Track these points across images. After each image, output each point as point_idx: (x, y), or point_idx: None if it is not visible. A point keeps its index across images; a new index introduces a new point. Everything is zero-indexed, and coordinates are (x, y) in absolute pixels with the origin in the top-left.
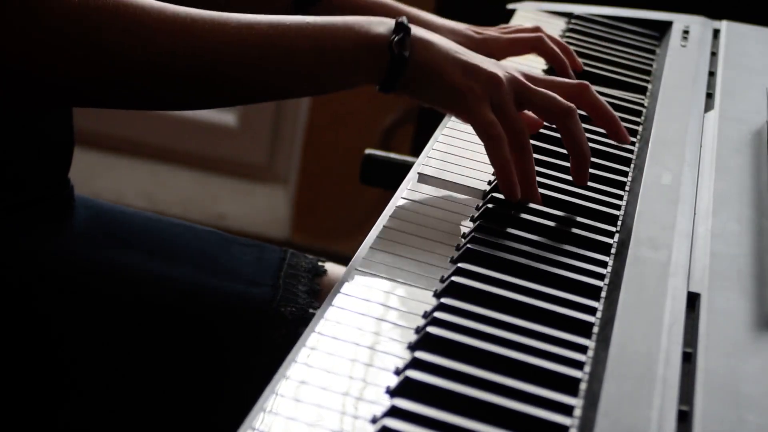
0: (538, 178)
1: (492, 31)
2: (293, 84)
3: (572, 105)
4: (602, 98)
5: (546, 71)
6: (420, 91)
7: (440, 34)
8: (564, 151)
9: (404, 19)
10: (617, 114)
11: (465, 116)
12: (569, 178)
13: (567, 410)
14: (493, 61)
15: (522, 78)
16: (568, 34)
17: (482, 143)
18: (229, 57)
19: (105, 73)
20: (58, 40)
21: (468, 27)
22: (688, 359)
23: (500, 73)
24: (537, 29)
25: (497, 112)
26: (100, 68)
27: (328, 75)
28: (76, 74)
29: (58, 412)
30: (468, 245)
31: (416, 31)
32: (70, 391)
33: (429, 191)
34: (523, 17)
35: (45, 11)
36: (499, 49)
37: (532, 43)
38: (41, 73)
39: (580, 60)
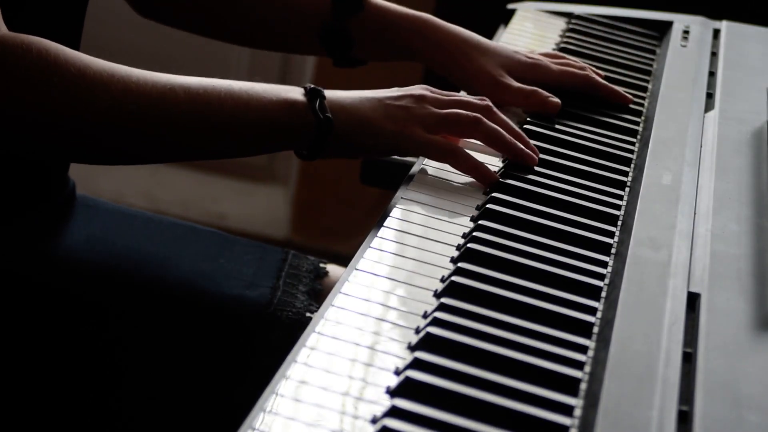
0: (538, 177)
1: (541, 57)
2: (220, 144)
3: (478, 116)
4: (499, 126)
5: None
6: (356, 145)
7: (490, 56)
8: (563, 150)
9: (312, 85)
10: (617, 114)
11: (415, 153)
12: (569, 178)
13: (567, 410)
14: (395, 89)
15: (428, 93)
16: (568, 34)
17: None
18: (160, 113)
19: (45, 126)
20: None
21: (516, 51)
22: (688, 359)
23: (412, 104)
24: (584, 67)
25: (433, 128)
26: (41, 120)
27: (255, 136)
28: (23, 123)
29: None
30: (468, 245)
31: (327, 92)
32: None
33: (429, 191)
34: (523, 17)
35: None
36: (550, 78)
37: (583, 80)
38: None
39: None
